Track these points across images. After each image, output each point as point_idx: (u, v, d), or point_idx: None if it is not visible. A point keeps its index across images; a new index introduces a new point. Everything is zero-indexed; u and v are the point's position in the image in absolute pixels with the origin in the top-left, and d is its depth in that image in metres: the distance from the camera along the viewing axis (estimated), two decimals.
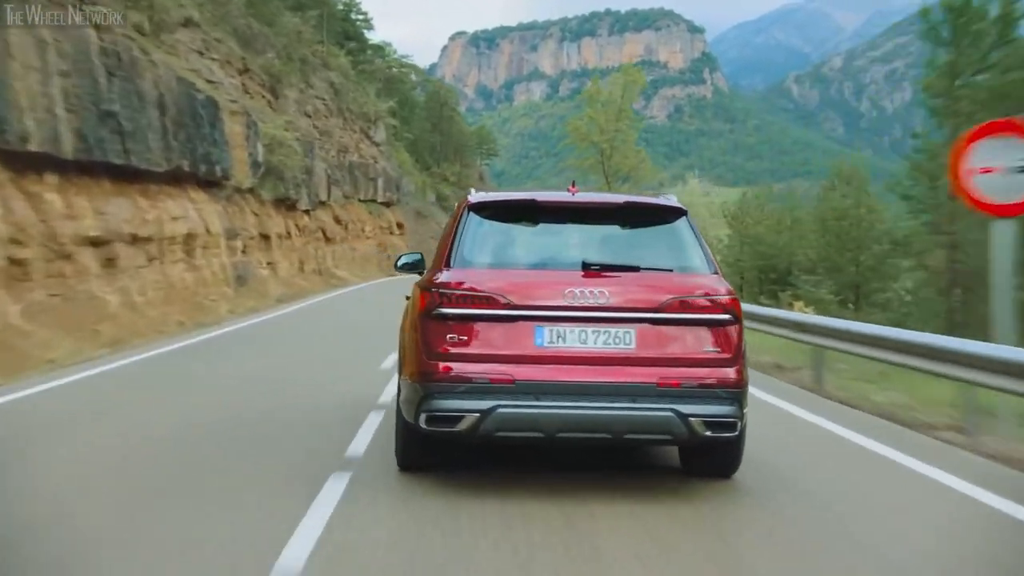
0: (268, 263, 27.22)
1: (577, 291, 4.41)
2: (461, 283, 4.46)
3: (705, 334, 4.46)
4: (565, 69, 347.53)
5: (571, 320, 4.38)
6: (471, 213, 4.85)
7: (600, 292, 4.40)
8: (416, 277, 5.74)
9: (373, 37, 68.01)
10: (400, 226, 53.22)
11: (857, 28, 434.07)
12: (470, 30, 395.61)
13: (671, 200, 5.15)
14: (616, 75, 40.31)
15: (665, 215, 4.96)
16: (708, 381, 4.38)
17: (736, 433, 4.46)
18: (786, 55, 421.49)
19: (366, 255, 44.65)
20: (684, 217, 4.96)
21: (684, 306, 4.46)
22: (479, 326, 4.38)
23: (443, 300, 4.43)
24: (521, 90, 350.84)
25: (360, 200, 46.51)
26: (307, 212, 34.08)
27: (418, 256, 5.97)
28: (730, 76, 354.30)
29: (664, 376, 4.35)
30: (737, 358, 4.49)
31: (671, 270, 4.69)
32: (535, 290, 4.44)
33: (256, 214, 26.96)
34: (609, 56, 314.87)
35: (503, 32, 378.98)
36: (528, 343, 4.36)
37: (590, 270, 4.52)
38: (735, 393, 4.44)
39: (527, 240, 4.88)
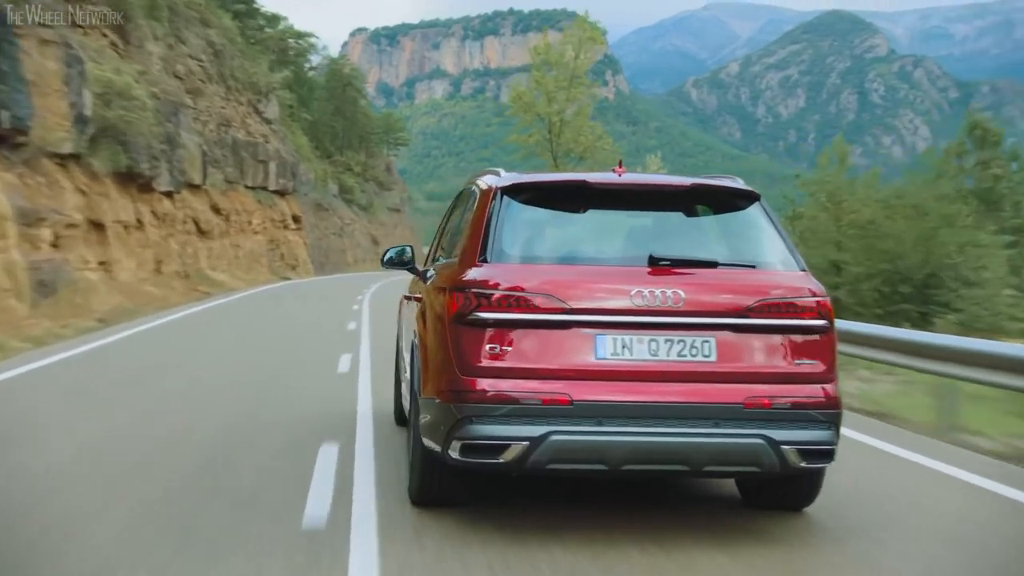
0: (100, 263, 18.90)
1: (646, 291, 3.67)
2: (502, 281, 3.69)
3: (797, 344, 3.78)
4: (467, 68, 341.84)
5: (639, 327, 3.67)
6: (505, 197, 4.01)
7: (673, 293, 3.67)
8: (404, 274, 5.58)
9: (266, 7, 58.80)
10: (297, 219, 44.78)
11: (752, 35, 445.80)
12: (371, 27, 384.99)
13: (738, 182, 4.33)
14: (569, 30, 33.14)
15: (735, 200, 4.21)
16: (802, 401, 3.71)
17: (831, 462, 3.88)
18: (683, 60, 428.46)
19: (253, 254, 36.24)
20: (758, 203, 4.19)
21: (772, 310, 3.76)
22: (526, 334, 3.64)
23: (481, 302, 3.65)
24: (423, 88, 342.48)
25: (247, 186, 38.04)
26: (169, 195, 25.66)
27: (404, 249, 5.39)
28: (630, 80, 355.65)
29: (752, 395, 3.65)
30: (833, 372, 3.86)
31: (753, 266, 3.97)
32: (594, 290, 3.71)
33: (83, 192, 18.63)
34: (512, 56, 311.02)
35: (405, 29, 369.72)
36: (587, 355, 3.64)
37: (658, 266, 3.78)
38: (833, 415, 3.78)
39: (576, 230, 4.17)
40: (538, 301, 3.60)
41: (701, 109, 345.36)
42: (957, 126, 22.67)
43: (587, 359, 3.59)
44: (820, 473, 4.10)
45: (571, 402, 3.53)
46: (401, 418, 5.90)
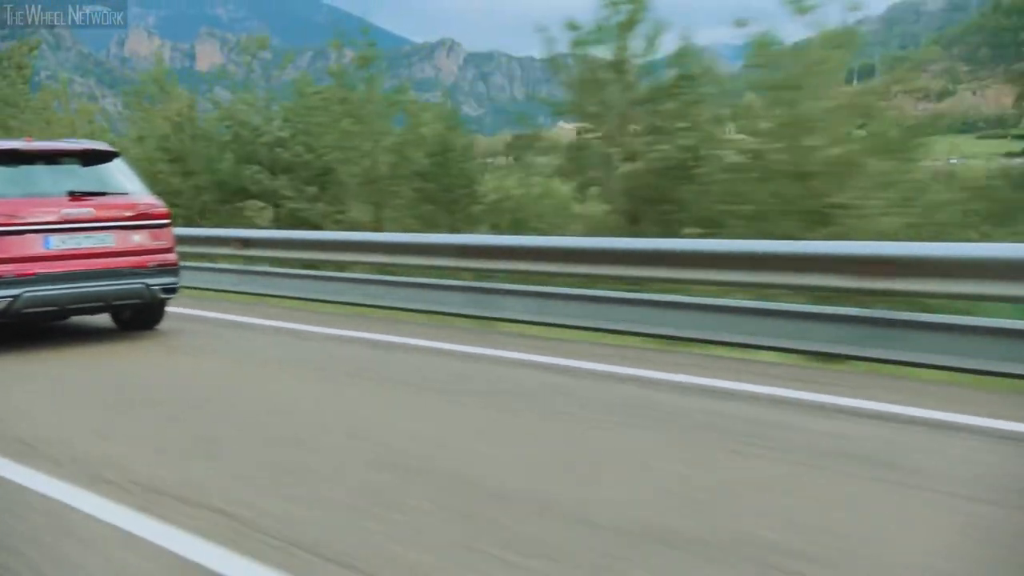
0: None
1: (65, 211, 6.74)
2: None
3: (154, 232, 7.24)
4: None
5: (66, 229, 6.70)
6: None
7: (88, 211, 6.83)
8: None
9: None
10: None
11: None
12: None
13: (104, 145, 7.98)
14: None
15: (105, 156, 7.46)
16: (163, 262, 7.24)
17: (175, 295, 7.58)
18: None
19: None
20: (119, 158, 7.54)
21: (141, 215, 7.12)
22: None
23: None
24: None
25: None
26: None
27: None
28: None
29: (136, 261, 7.12)
30: (174, 246, 7.37)
31: (127, 193, 7.25)
32: (37, 212, 6.65)
33: None
34: None
35: None
36: (39, 247, 6.60)
37: (75, 195, 6.85)
38: (177, 269, 7.31)
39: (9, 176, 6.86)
40: (3, 220, 6.42)
41: None
42: None
43: (39, 250, 6.52)
44: (165, 303, 7.39)
45: (35, 274, 6.46)
46: None
